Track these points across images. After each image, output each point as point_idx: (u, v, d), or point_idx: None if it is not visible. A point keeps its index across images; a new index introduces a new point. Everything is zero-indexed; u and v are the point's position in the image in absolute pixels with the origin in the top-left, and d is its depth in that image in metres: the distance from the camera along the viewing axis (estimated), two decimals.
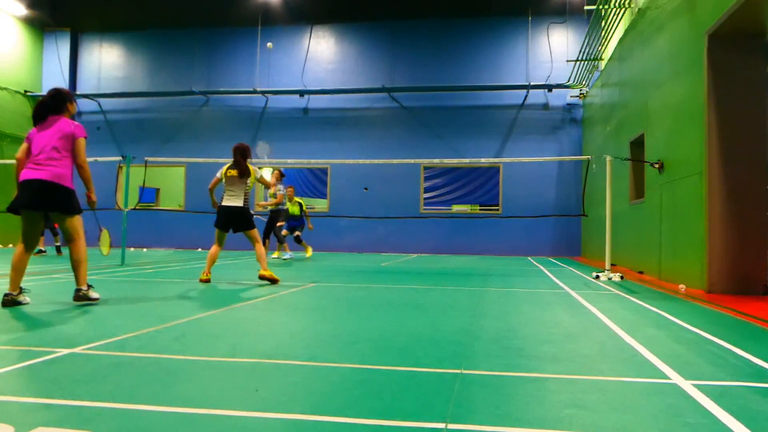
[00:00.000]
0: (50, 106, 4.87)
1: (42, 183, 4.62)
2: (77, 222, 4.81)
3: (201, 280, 6.87)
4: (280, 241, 11.84)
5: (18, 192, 4.72)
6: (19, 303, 4.64)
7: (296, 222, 12.47)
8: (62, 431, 1.83)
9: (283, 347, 3.23)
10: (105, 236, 5.92)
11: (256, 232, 7.00)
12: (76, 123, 4.90)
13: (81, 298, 4.71)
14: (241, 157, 7.02)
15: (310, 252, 12.90)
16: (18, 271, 4.69)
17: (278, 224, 11.80)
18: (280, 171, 12.04)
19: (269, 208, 11.80)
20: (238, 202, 6.93)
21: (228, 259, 11.50)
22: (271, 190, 11.64)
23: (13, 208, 4.75)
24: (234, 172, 6.97)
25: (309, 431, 1.89)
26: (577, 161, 15.70)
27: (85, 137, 4.86)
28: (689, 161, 7.05)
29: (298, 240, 12.58)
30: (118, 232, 16.14)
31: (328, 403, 2.20)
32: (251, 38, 18.01)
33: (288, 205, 12.26)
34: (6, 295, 4.58)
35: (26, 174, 4.67)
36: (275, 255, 12.27)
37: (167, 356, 2.92)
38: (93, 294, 4.76)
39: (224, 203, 6.97)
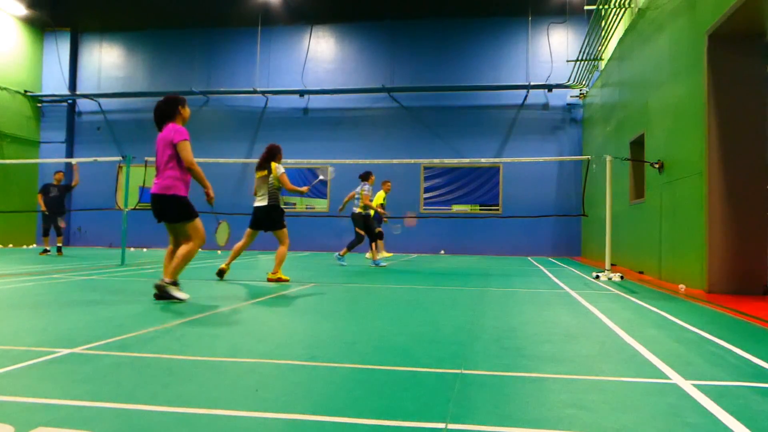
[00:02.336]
0: (164, 111, 5.04)
1: (153, 196, 4.91)
2: (190, 227, 4.96)
3: (220, 268, 7.20)
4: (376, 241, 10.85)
5: None
6: (171, 297, 4.85)
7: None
8: (62, 431, 1.83)
9: (283, 347, 3.23)
10: (224, 227, 6.00)
11: (282, 234, 7.02)
12: (177, 127, 4.96)
13: (160, 289, 4.87)
14: (267, 155, 7.19)
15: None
16: (169, 260, 5.00)
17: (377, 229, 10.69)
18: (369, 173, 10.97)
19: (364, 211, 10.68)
20: (263, 202, 7.07)
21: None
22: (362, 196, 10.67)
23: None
24: (260, 173, 7.15)
25: (309, 431, 1.89)
26: (577, 161, 15.70)
27: (185, 139, 4.91)
28: (689, 161, 7.05)
29: (380, 236, 12.47)
30: (118, 232, 16.16)
31: (328, 403, 2.20)
32: (251, 38, 18.01)
33: (384, 202, 11.98)
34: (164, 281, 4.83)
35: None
36: (369, 256, 12.18)
37: (167, 356, 2.91)
38: (175, 293, 4.86)
39: (254, 204, 7.17)
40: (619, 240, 10.22)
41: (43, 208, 12.40)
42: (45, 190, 12.50)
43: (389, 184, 12.51)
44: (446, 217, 16.87)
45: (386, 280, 7.71)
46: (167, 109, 5.03)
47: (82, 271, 8.27)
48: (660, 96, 8.38)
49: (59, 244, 12.48)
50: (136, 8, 18.55)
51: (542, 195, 16.28)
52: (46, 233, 12.62)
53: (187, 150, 4.89)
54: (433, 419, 1.99)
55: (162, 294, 4.82)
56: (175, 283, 4.87)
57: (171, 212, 4.89)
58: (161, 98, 5.15)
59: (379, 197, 12.57)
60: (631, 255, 9.95)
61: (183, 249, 4.89)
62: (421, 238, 16.66)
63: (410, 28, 17.47)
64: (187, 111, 5.15)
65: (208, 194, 5.16)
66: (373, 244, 11.01)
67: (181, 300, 4.82)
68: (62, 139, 18.67)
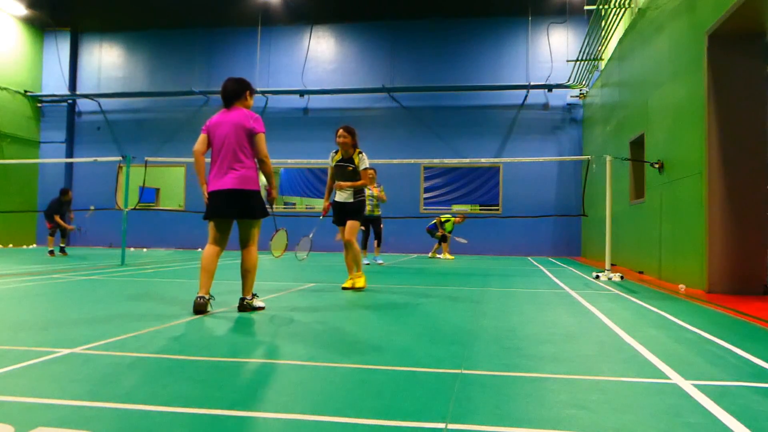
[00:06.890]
0: (234, 91, 4.60)
1: (229, 192, 4.47)
2: (258, 226, 4.59)
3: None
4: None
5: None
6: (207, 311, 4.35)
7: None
8: (62, 431, 1.83)
9: (283, 347, 3.23)
10: (283, 236, 5.10)
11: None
12: (254, 114, 4.61)
13: (245, 307, 4.49)
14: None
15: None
16: (215, 262, 4.46)
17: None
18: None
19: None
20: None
21: (228, 260, 11.49)
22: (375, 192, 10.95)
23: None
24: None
25: (309, 431, 1.89)
26: (577, 161, 15.70)
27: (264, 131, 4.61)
28: (689, 161, 7.05)
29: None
30: (118, 232, 16.16)
31: (328, 403, 2.19)
32: (251, 38, 18.01)
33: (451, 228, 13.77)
34: (199, 297, 4.33)
35: None
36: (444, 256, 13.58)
37: (167, 356, 2.91)
38: (258, 303, 4.59)
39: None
40: (619, 240, 10.22)
41: (70, 226, 12.67)
42: (59, 209, 12.36)
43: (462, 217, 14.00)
44: None
45: (386, 280, 7.72)
46: (237, 89, 4.57)
47: (82, 271, 8.27)
48: (660, 96, 8.38)
49: (62, 245, 12.51)
50: (136, 8, 18.53)
51: (542, 195, 16.28)
52: (52, 233, 12.61)
53: (263, 142, 4.49)
54: (433, 419, 1.99)
55: (244, 307, 4.53)
56: (254, 295, 4.63)
57: (252, 208, 4.44)
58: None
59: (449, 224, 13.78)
60: (631, 255, 9.95)
61: (251, 262, 4.52)
62: (422, 238, 16.65)
63: (410, 28, 17.47)
64: (251, 101, 4.69)
65: (271, 193, 4.70)
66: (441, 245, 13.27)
67: (262, 308, 4.60)
68: (62, 139, 18.67)
